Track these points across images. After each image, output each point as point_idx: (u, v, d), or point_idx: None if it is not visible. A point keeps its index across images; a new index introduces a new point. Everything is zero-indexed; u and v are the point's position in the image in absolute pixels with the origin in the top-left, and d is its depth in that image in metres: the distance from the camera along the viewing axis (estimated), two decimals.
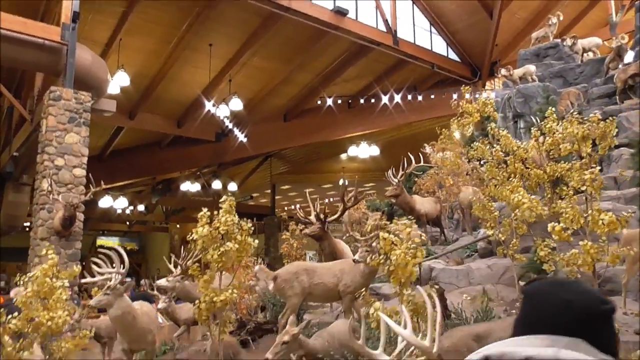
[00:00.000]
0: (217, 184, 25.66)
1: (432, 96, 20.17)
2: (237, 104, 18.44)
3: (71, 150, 12.30)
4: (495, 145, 7.70)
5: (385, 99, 20.05)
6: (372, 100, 20.31)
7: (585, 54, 16.03)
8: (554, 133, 7.38)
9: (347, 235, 7.62)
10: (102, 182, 12.04)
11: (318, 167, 28.01)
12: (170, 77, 18.65)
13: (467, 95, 21.23)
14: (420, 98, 20.14)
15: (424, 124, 21.86)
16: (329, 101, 20.30)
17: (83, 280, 6.08)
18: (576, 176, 5.68)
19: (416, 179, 13.24)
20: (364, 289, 6.16)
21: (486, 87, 20.88)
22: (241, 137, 20.47)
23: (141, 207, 31.17)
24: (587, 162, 5.63)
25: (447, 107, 20.51)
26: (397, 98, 20.08)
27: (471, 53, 20.58)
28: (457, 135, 12.12)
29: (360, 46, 18.56)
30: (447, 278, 8.70)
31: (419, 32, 19.97)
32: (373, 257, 4.76)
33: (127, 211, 29.41)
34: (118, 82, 16.33)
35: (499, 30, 19.38)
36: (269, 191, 31.12)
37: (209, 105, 17.86)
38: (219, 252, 5.60)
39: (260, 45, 17.90)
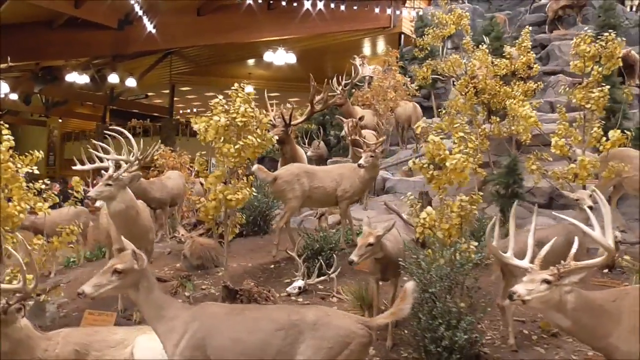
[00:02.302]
0: (113, 78, 23.40)
1: (355, 7, 19.69)
2: None
3: None
4: (470, 59, 7.74)
5: (307, 4, 19.19)
6: (294, 4, 19.33)
7: None
8: (528, 52, 7.61)
9: (351, 138, 7.33)
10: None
11: (222, 71, 26.59)
12: None
13: (389, 10, 21.11)
14: (342, 8, 19.57)
15: (337, 36, 21.49)
16: None
17: (77, 167, 5.19)
18: (579, 94, 5.89)
19: (353, 91, 13.05)
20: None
21: (406, 5, 20.76)
22: (150, 27, 18.57)
23: (14, 96, 27.64)
24: (594, 79, 5.83)
25: (368, 20, 20.40)
26: (320, 4, 19.33)
27: None
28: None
29: None
30: (405, 189, 8.90)
31: None
32: (417, 160, 4.55)
33: None
34: None
35: None
36: (165, 91, 29.22)
37: None
38: (238, 146, 5.06)
39: None
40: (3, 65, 10.70)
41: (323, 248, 5.72)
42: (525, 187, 7.70)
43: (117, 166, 5.06)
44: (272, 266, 6.22)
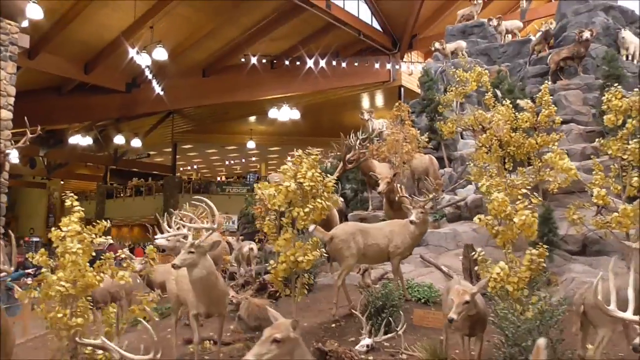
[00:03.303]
0: (119, 139, 23.73)
1: (356, 63, 20.44)
2: (161, 54, 17.07)
3: None
4: (497, 113, 8.16)
5: (310, 63, 19.91)
6: (297, 63, 20.04)
7: (507, 35, 17.26)
8: (549, 105, 8.06)
9: (399, 196, 7.56)
10: (38, 126, 10.69)
11: (224, 128, 27.13)
12: (85, 16, 16.75)
13: (388, 65, 21.82)
14: (344, 64, 20.30)
15: (338, 91, 22.15)
16: (253, 59, 19.65)
17: (158, 237, 5.35)
18: (614, 146, 6.25)
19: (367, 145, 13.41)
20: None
21: (404, 59, 21.58)
22: (158, 89, 19.08)
23: (15, 159, 27.72)
24: (628, 132, 6.19)
25: (368, 75, 21.13)
26: (322, 62, 20.07)
27: (393, 24, 21.07)
28: (454, 105, 12.22)
29: (292, 5, 18.08)
30: (436, 240, 9.07)
31: None
32: (483, 217, 4.80)
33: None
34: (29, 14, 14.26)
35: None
36: (167, 149, 29.58)
37: (132, 52, 16.31)
38: (307, 210, 5.27)
39: None
40: (28, 136, 10.95)
41: (385, 305, 5.84)
42: (559, 234, 7.94)
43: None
44: (333, 325, 6.31)
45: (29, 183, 31.56)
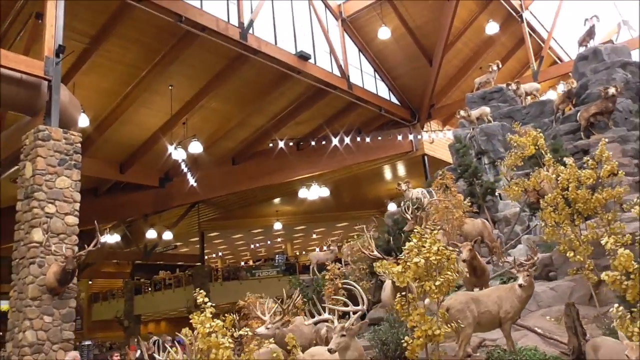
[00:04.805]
0: (151, 233, 23.98)
1: (379, 137, 21.11)
2: (196, 147, 17.75)
3: (62, 196, 11.08)
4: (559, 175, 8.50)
5: (335, 141, 20.56)
6: (323, 142, 20.69)
7: (526, 97, 18.00)
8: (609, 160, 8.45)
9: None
10: (107, 230, 10.99)
11: (250, 212, 27.47)
12: (122, 120, 17.51)
13: (410, 136, 22.47)
14: (367, 139, 20.96)
15: (363, 165, 22.70)
16: (281, 144, 20.32)
17: (308, 322, 5.50)
18: None
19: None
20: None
21: (424, 129, 22.30)
22: (192, 181, 19.58)
23: None
24: None
25: (391, 147, 21.76)
26: (347, 140, 20.72)
27: (410, 97, 21.99)
28: (503, 169, 12.60)
29: (316, 90, 19.00)
30: None
31: (365, 78, 20.98)
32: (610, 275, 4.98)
33: None
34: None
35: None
36: (192, 239, 29.78)
37: (170, 149, 16.94)
38: (438, 283, 5.46)
39: (220, 87, 17.61)
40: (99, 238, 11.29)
41: None
42: None
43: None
44: None
45: None
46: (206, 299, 5.60)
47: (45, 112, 11.40)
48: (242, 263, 33.58)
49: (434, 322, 5.43)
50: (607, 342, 4.62)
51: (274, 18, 17.50)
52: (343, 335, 5.04)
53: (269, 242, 32.93)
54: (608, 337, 5.55)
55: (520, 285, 6.45)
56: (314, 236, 31.66)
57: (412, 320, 5.49)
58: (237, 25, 15.61)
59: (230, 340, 5.05)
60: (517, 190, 9.96)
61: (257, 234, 30.89)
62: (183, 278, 28.12)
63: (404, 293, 5.66)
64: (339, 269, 11.63)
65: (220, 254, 33.79)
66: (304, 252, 35.05)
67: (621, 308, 5.17)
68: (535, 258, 6.83)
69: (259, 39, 16.23)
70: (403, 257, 5.68)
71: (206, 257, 33.62)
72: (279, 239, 32.12)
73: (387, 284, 8.41)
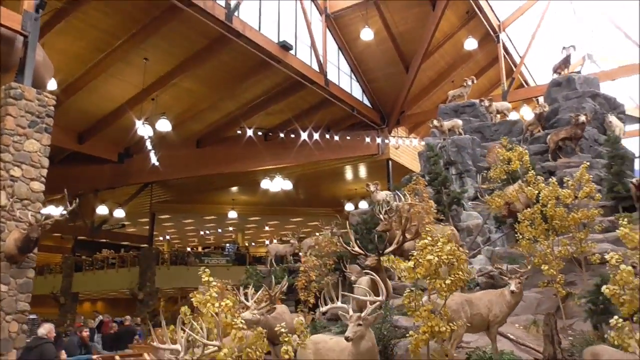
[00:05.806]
0: (102, 209, 23.08)
1: (348, 137, 21.18)
2: (164, 125, 17.20)
3: (30, 160, 10.47)
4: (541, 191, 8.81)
5: (304, 135, 20.46)
6: (292, 135, 20.55)
7: (496, 115, 18.51)
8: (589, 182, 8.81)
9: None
10: (76, 199, 10.54)
11: (205, 198, 26.93)
12: (89, 87, 16.75)
13: (378, 140, 22.67)
14: (336, 138, 20.99)
15: (328, 163, 22.73)
16: (249, 132, 20.02)
17: (324, 309, 5.35)
18: None
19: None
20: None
21: (392, 134, 22.55)
22: (154, 159, 18.97)
23: None
24: None
25: (358, 148, 21.90)
26: (316, 136, 20.67)
27: (383, 101, 22.19)
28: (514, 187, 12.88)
29: (293, 82, 18.83)
30: None
31: (341, 76, 21.00)
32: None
33: None
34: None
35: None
36: (141, 220, 28.90)
37: (138, 124, 16.34)
38: (448, 282, 5.49)
39: (197, 67, 17.17)
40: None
41: None
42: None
43: None
44: None
45: None
46: (211, 278, 5.41)
47: (17, 69, 10.74)
48: (189, 249, 32.88)
49: (439, 319, 5.48)
50: (608, 350, 4.79)
51: (260, 4, 17.21)
52: (360, 325, 5.00)
53: (219, 230, 32.42)
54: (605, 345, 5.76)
55: (512, 292, 6.61)
56: (267, 228, 31.44)
57: (420, 316, 5.51)
58: (223, 5, 15.24)
59: (242, 320, 4.90)
60: (499, 202, 10.17)
61: (209, 221, 30.33)
62: (128, 259, 27.17)
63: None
64: (313, 262, 11.59)
65: (168, 237, 32.93)
66: (253, 244, 34.73)
67: (620, 320, 5.38)
68: (529, 267, 7.02)
69: (243, 22, 15.90)
70: (415, 254, 5.69)
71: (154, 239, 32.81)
72: (230, 228, 31.67)
73: (363, 281, 8.41)
